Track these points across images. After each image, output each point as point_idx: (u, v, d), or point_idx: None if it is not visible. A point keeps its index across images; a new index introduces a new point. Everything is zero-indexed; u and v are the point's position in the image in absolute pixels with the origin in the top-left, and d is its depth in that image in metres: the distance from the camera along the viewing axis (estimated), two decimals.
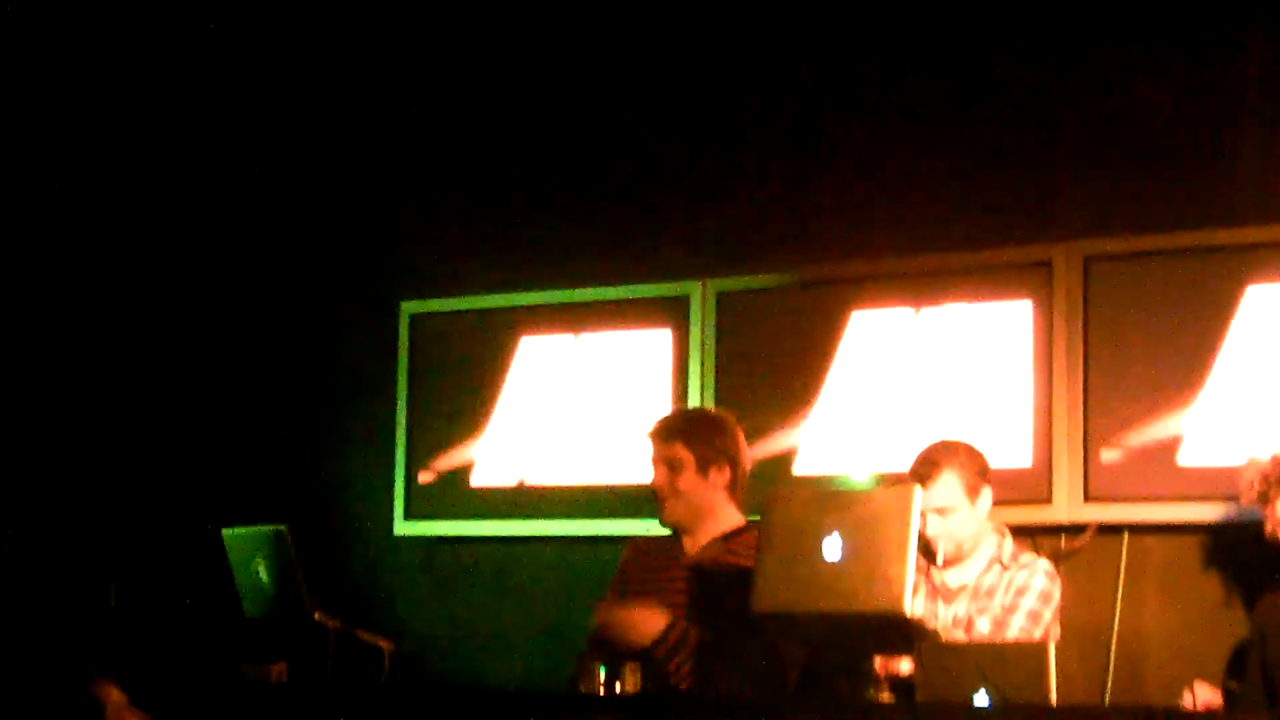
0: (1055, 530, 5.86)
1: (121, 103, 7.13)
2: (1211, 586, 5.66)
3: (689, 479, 5.27)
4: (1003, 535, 5.34)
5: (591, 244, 6.79)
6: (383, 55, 7.09)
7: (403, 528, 6.92)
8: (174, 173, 7.28)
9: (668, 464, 5.27)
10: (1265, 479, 4.98)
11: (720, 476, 5.28)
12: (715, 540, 5.30)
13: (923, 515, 5.14)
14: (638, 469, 5.81)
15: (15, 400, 6.94)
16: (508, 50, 6.93)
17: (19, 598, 6.28)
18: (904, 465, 5.49)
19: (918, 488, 4.80)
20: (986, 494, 5.25)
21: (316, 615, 5.38)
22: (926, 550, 5.25)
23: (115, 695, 5.18)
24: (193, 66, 7.12)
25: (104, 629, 5.88)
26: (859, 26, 6.32)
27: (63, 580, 6.34)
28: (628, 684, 4.95)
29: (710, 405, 6.23)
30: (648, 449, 5.35)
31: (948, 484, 5.19)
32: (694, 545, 5.32)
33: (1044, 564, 5.30)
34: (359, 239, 7.22)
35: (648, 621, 5.02)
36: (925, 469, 5.20)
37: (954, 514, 5.20)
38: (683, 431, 5.30)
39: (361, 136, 7.15)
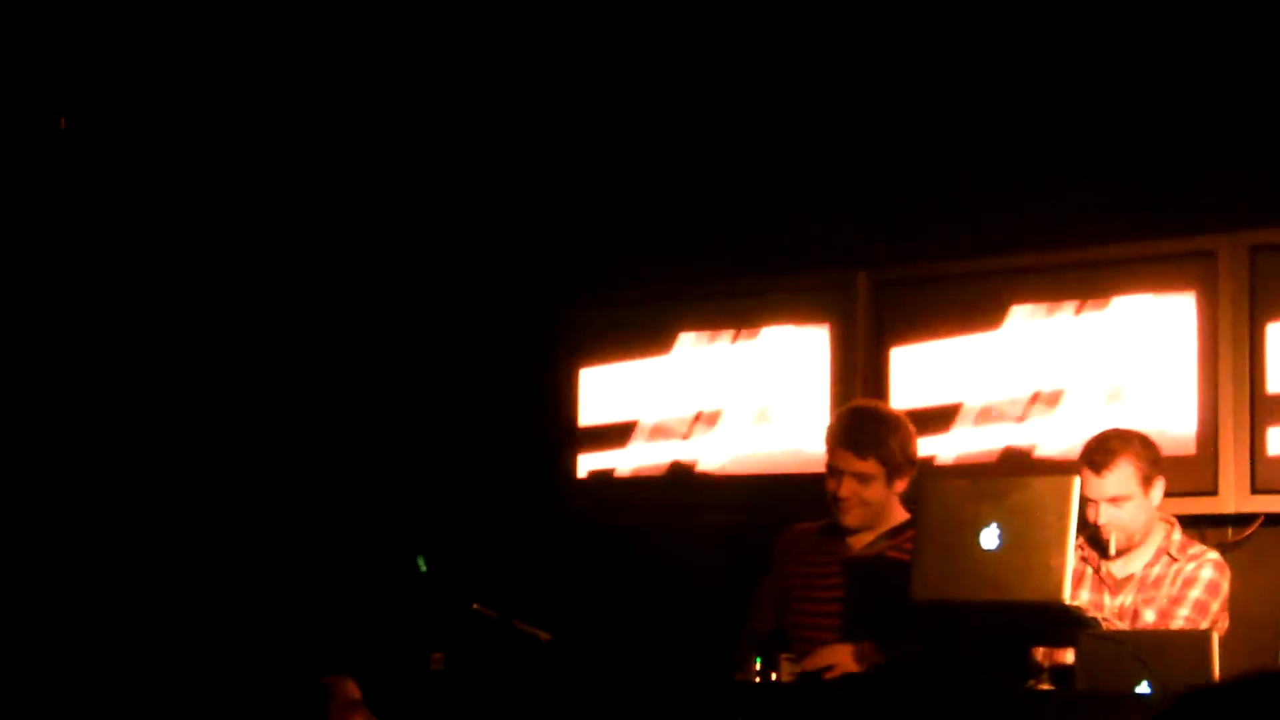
0: (1222, 521, 5.76)
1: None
2: None
3: (877, 490, 5.27)
4: (1171, 526, 5.27)
5: (747, 240, 6.80)
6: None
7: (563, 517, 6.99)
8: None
9: (857, 477, 5.26)
10: None
11: (903, 483, 5.29)
12: (881, 536, 5.31)
13: (1096, 504, 5.10)
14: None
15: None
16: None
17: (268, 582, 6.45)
18: (1071, 455, 5.46)
19: (1077, 478, 4.77)
20: (1159, 485, 5.18)
21: (475, 605, 5.43)
22: (1096, 540, 5.20)
23: (347, 690, 5.21)
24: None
25: (347, 623, 5.97)
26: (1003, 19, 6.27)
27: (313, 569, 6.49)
28: (783, 674, 4.97)
29: (875, 398, 6.18)
30: (832, 454, 5.34)
31: (1123, 473, 5.13)
32: (859, 541, 5.32)
33: (1212, 555, 5.21)
34: (518, 246, 7.28)
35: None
36: (1101, 457, 5.14)
37: (1128, 504, 5.14)
38: (875, 445, 5.27)
39: (518, 146, 7.20)
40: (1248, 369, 5.74)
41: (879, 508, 5.29)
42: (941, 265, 6.36)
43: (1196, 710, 1.72)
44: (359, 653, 5.35)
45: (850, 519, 5.28)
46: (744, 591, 5.58)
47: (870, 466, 5.25)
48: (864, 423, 5.37)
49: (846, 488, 5.25)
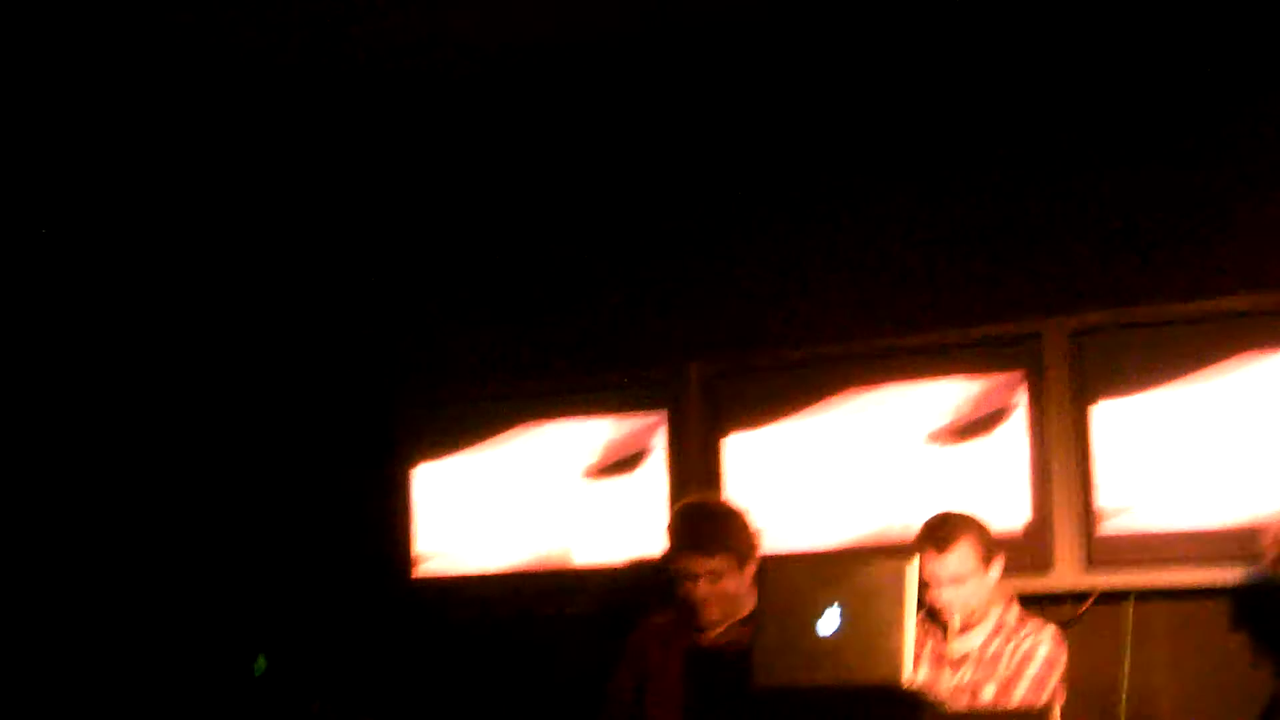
0: (1058, 599, 5.83)
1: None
2: (1224, 649, 5.62)
3: (732, 582, 5.31)
4: (1008, 602, 5.34)
5: (580, 332, 6.84)
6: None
7: None
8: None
9: (710, 576, 5.30)
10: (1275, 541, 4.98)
11: (750, 568, 5.33)
12: (734, 625, 5.35)
13: (939, 584, 5.16)
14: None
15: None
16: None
17: None
18: (905, 535, 5.52)
19: (915, 559, 4.81)
20: (998, 563, 5.27)
21: (315, 706, 5.37)
22: (936, 618, 5.24)
23: None
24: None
25: None
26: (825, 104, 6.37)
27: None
28: None
29: (708, 488, 6.21)
30: (679, 558, 5.35)
31: (964, 552, 5.21)
32: (713, 632, 5.34)
33: (1050, 630, 5.28)
34: (352, 343, 7.24)
35: None
36: (943, 535, 5.21)
37: (970, 582, 5.20)
38: (720, 540, 5.32)
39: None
40: (1075, 448, 5.84)
41: (736, 598, 5.31)
42: (771, 353, 6.42)
43: None
44: None
45: (712, 615, 5.32)
46: (593, 684, 5.57)
47: (719, 563, 5.30)
48: (704, 520, 5.44)
49: (703, 589, 5.30)
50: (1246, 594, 5.54)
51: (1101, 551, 5.80)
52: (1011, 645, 5.23)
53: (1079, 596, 5.82)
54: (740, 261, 6.54)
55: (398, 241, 7.15)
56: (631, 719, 5.42)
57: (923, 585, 5.11)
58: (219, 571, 7.02)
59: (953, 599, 5.19)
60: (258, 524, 7.12)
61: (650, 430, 6.57)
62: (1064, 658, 5.22)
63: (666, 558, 5.47)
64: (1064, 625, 5.57)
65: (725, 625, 5.35)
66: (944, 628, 5.25)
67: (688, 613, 5.37)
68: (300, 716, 5.37)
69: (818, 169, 6.41)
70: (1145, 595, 5.76)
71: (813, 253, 6.42)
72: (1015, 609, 5.33)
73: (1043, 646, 5.21)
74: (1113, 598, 5.80)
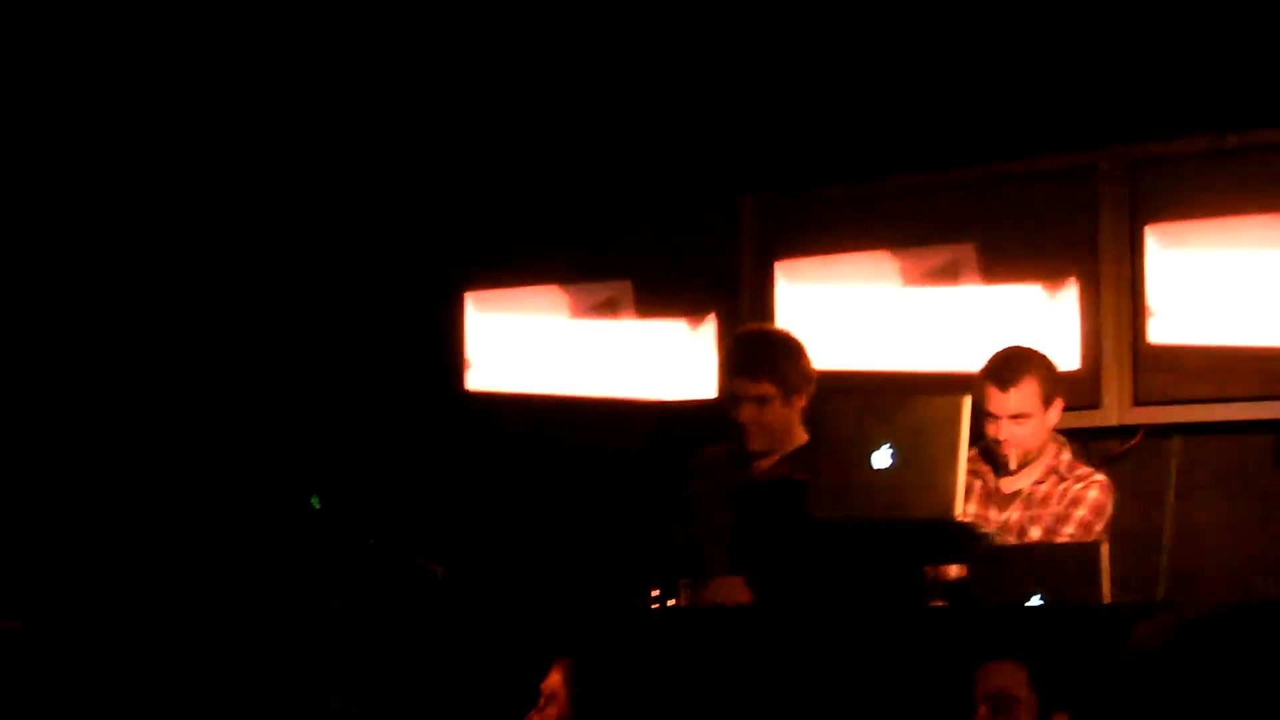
0: (1105, 434, 5.84)
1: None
2: (1268, 484, 5.64)
3: (775, 410, 5.31)
4: (1061, 445, 5.33)
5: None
6: None
7: None
8: None
9: (755, 400, 5.30)
10: None
11: (800, 401, 5.32)
12: (783, 458, 5.34)
13: (999, 420, 5.16)
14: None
15: None
16: None
17: None
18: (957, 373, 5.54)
19: (968, 398, 4.82)
20: (1058, 405, 5.24)
21: (371, 541, 5.42)
22: (990, 454, 5.25)
23: None
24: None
25: None
26: None
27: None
28: (682, 600, 5.01)
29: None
30: (729, 381, 5.37)
31: (1026, 391, 5.17)
32: (763, 465, 5.36)
33: (1099, 477, 5.27)
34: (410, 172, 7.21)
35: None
36: (1008, 374, 5.18)
37: (1030, 421, 5.19)
38: (768, 367, 5.32)
39: None
40: (1127, 285, 5.83)
41: (780, 429, 5.32)
42: (826, 189, 6.40)
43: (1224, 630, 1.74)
44: (256, 593, 5.32)
45: (755, 444, 5.33)
46: (645, 519, 5.62)
47: (766, 388, 5.29)
48: (754, 346, 5.44)
49: (746, 413, 5.29)
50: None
51: (1149, 389, 5.80)
52: (1061, 488, 5.23)
53: (1127, 433, 5.84)
54: (794, 95, 6.49)
55: (459, 74, 7.09)
56: (685, 548, 5.45)
57: (981, 419, 5.12)
58: (276, 412, 7.06)
59: (1011, 436, 5.18)
60: (312, 361, 7.15)
61: (705, 267, 6.56)
62: (1111, 505, 5.22)
63: (721, 384, 5.48)
64: (1109, 461, 5.59)
65: (776, 457, 5.35)
66: (996, 465, 5.25)
67: (739, 441, 5.39)
68: (355, 553, 5.41)
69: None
70: (1191, 430, 5.78)
71: (866, 87, 6.36)
72: (1068, 453, 5.32)
73: (1092, 491, 5.21)
74: (1159, 434, 5.81)
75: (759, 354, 5.37)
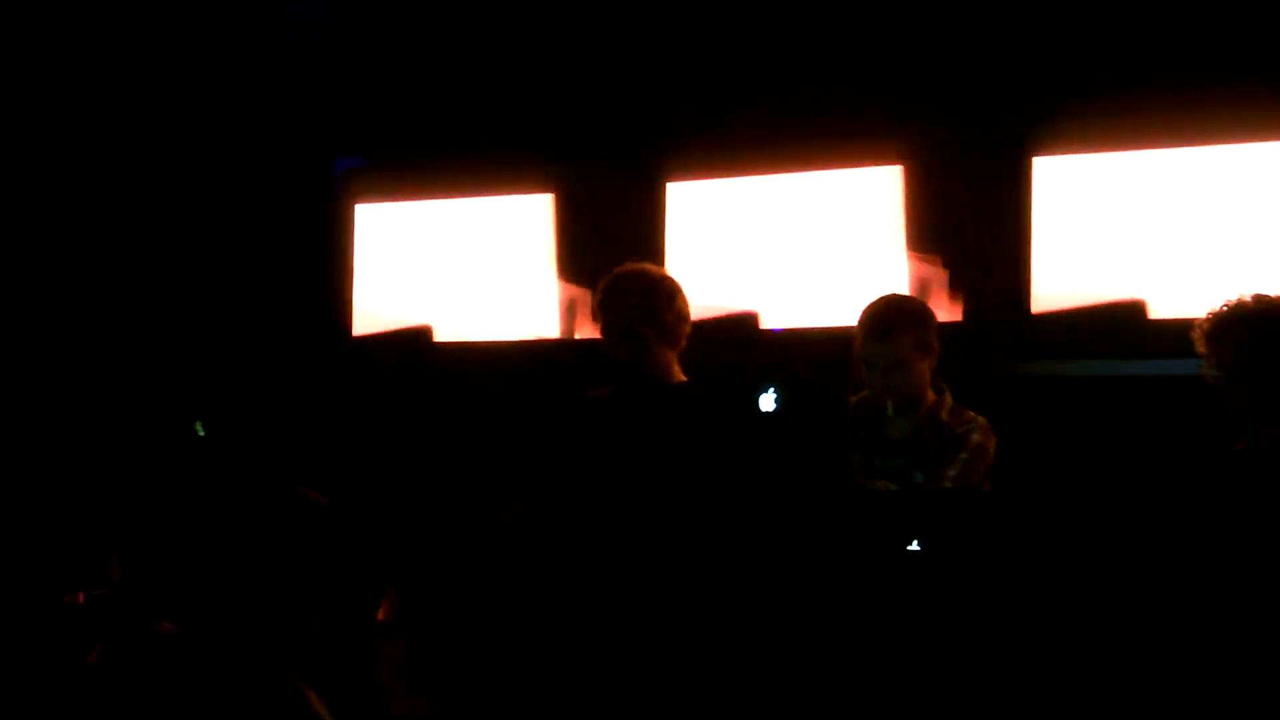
0: (987, 385, 5.91)
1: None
2: (1142, 435, 5.75)
3: (659, 349, 5.33)
4: (943, 391, 5.39)
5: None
6: None
7: None
8: None
9: (628, 338, 5.34)
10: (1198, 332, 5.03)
11: (678, 346, 5.35)
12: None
13: (874, 368, 5.21)
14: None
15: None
16: None
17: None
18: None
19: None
20: (935, 351, 5.29)
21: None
22: (869, 403, 5.30)
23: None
24: None
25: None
26: None
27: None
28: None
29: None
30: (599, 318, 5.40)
31: (904, 339, 5.22)
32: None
33: (981, 421, 5.33)
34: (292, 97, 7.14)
35: None
36: (883, 324, 5.23)
37: (906, 370, 5.25)
38: (648, 307, 5.34)
39: None
40: (1012, 236, 5.89)
41: (654, 370, 5.35)
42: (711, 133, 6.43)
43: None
44: (137, 525, 5.27)
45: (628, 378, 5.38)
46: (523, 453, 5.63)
47: (640, 328, 5.33)
48: (638, 289, 5.45)
49: (614, 349, 5.36)
50: (1177, 382, 5.64)
51: (1033, 341, 5.87)
52: (943, 434, 5.29)
53: (1009, 383, 5.91)
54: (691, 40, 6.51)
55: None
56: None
57: (864, 369, 5.18)
58: (158, 340, 7.00)
59: (889, 384, 5.24)
60: (195, 288, 7.09)
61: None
62: (992, 449, 5.29)
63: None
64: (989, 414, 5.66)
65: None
66: (880, 413, 5.30)
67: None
68: (237, 480, 5.38)
69: None
70: (1072, 383, 5.86)
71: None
72: (948, 398, 5.39)
73: (974, 435, 5.28)
74: (1041, 385, 5.89)
75: (637, 295, 5.39)
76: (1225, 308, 4.92)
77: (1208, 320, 4.92)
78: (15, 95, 6.96)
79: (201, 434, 5.41)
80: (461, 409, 6.72)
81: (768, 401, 4.81)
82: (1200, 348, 5.03)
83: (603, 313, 5.41)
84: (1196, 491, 5.05)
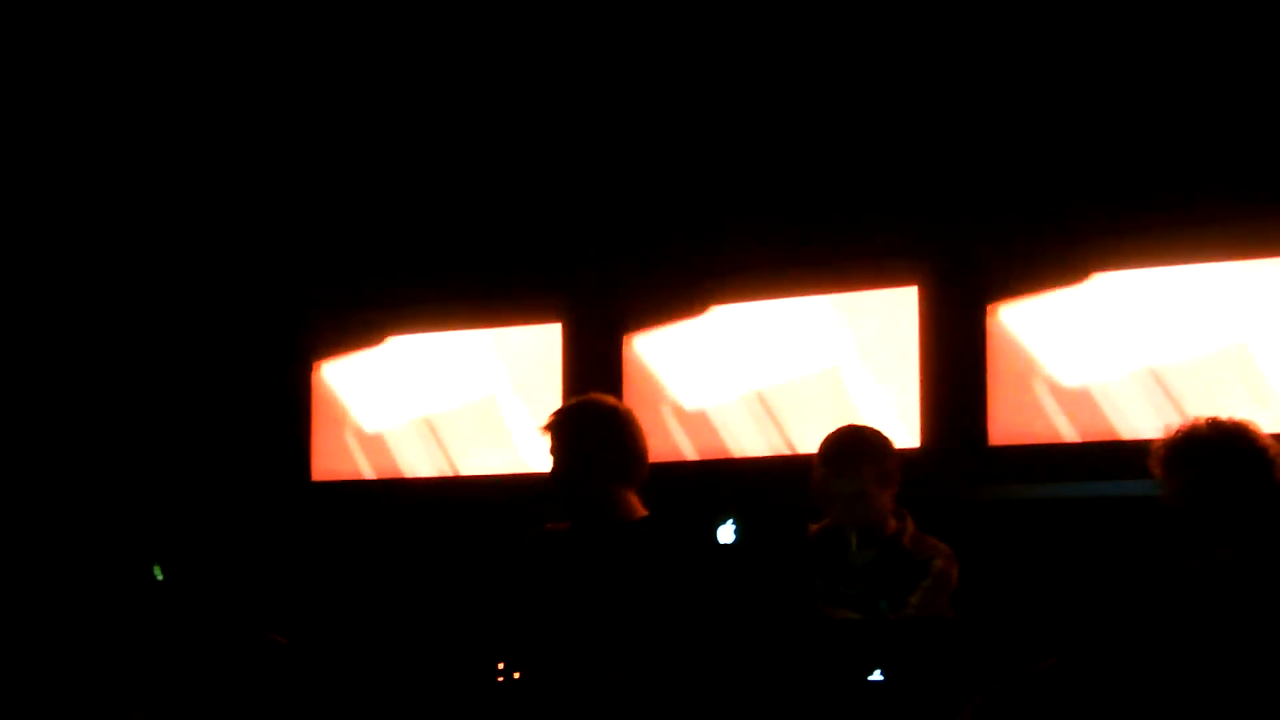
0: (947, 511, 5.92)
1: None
2: (1102, 559, 5.76)
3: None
4: (905, 517, 5.39)
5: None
6: None
7: None
8: None
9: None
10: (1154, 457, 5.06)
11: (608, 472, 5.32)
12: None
13: (841, 501, 5.20)
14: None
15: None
16: None
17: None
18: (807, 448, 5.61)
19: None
20: (896, 481, 5.30)
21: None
22: (837, 535, 5.30)
23: None
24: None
25: None
26: None
27: None
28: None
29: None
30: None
31: (864, 473, 5.23)
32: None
33: (944, 548, 5.34)
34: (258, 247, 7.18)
35: None
36: (843, 458, 5.24)
37: (867, 500, 5.25)
38: (563, 426, 5.32)
39: None
40: (968, 364, 5.93)
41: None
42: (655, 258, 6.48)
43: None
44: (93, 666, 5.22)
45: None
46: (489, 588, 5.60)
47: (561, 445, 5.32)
48: (562, 412, 5.43)
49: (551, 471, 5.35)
50: (1132, 507, 5.66)
51: (992, 466, 5.89)
52: (906, 561, 5.30)
53: (969, 509, 5.92)
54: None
55: (306, 151, 7.09)
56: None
57: (825, 501, 5.19)
58: (116, 481, 6.97)
59: (851, 516, 5.24)
60: (154, 430, 7.08)
61: (547, 339, 6.59)
62: (955, 575, 5.29)
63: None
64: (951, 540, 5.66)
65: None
66: (844, 544, 5.31)
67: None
68: (197, 624, 5.35)
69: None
70: (1033, 507, 5.88)
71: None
72: (911, 525, 5.39)
73: (936, 561, 5.29)
74: (1002, 510, 5.90)
75: (558, 417, 5.36)
76: (1179, 432, 4.95)
77: (1162, 445, 4.95)
78: None
79: (160, 578, 5.37)
80: (419, 547, 6.70)
81: (727, 533, 4.80)
82: (1156, 471, 5.06)
83: (559, 445, 5.38)
84: (1156, 612, 5.05)
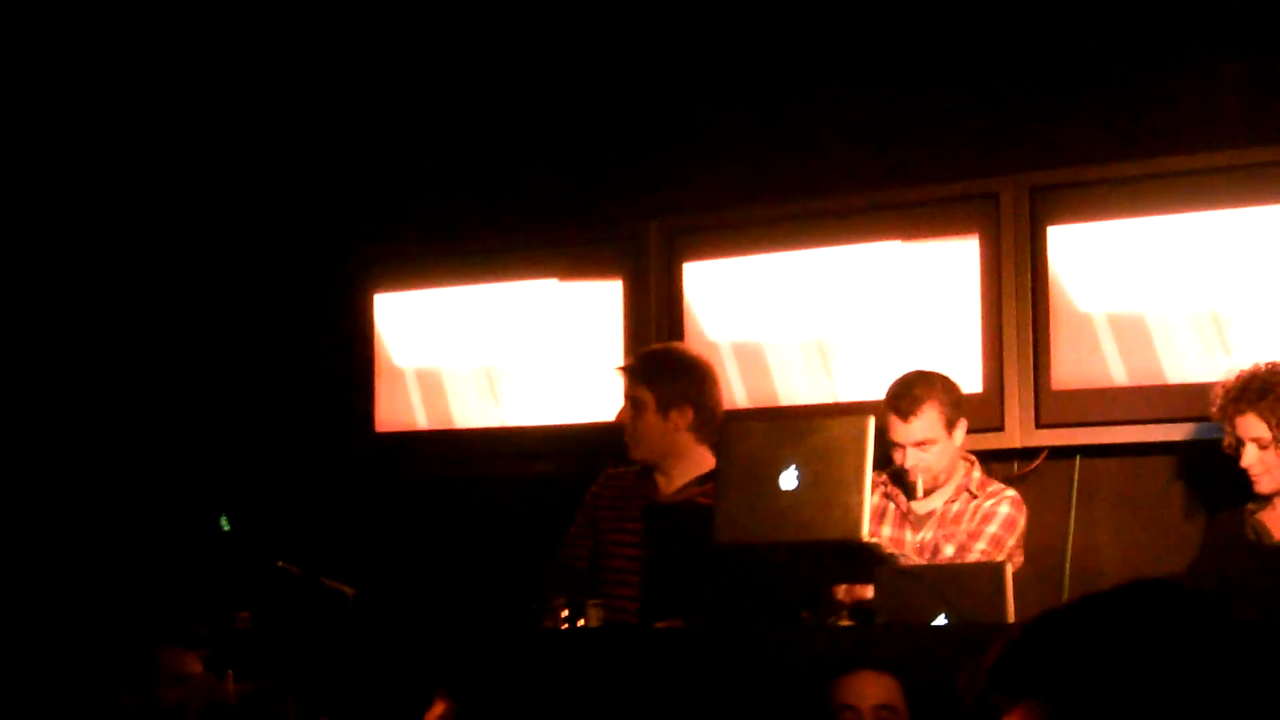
0: (1008, 455, 5.92)
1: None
2: (1164, 506, 5.74)
3: (649, 420, 5.34)
4: (971, 464, 5.39)
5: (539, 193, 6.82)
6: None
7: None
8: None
9: (632, 403, 5.36)
10: (1227, 394, 5.05)
11: (682, 419, 5.34)
12: (690, 483, 5.36)
13: (903, 448, 5.21)
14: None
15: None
16: None
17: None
18: (870, 395, 5.59)
19: (871, 418, 4.86)
20: (962, 426, 5.30)
21: (280, 563, 5.40)
22: (901, 479, 5.31)
23: (184, 663, 4.98)
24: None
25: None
26: None
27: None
28: (591, 620, 5.01)
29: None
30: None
31: (928, 417, 5.23)
32: (669, 485, 5.41)
33: (1010, 493, 5.35)
34: (310, 186, 7.20)
35: None
36: (907, 403, 5.23)
37: (933, 446, 5.25)
38: (645, 373, 5.38)
39: None
40: (1030, 309, 5.90)
41: (660, 443, 5.37)
42: (728, 213, 6.45)
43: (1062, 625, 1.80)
44: (165, 614, 5.27)
45: (632, 451, 5.41)
46: (552, 542, 5.62)
47: (640, 391, 5.35)
48: (645, 354, 5.56)
49: (623, 413, 5.38)
50: (1177, 453, 5.66)
51: (1050, 410, 5.88)
52: (973, 506, 5.31)
53: (1030, 454, 5.91)
54: (697, 123, 6.54)
55: (359, 89, 7.09)
56: (587, 569, 5.47)
57: (891, 448, 5.20)
58: (184, 433, 7.01)
59: (917, 462, 5.25)
60: (220, 382, 7.12)
61: (610, 290, 6.59)
62: (1023, 520, 5.30)
63: None
64: (1012, 481, 5.66)
65: (684, 480, 5.39)
66: (907, 488, 5.32)
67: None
68: (264, 574, 5.40)
69: (773, 34, 6.41)
70: (1091, 452, 5.87)
71: (766, 114, 6.43)
72: (978, 471, 5.40)
73: (1002, 507, 5.29)
74: (1061, 455, 5.90)
75: (644, 361, 5.45)
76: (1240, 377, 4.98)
77: (1229, 391, 4.98)
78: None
79: (227, 528, 5.43)
80: (483, 497, 6.72)
81: (789, 480, 4.81)
82: (1218, 417, 5.07)
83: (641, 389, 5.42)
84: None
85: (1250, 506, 5.08)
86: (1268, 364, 5.04)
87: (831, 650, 4.60)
